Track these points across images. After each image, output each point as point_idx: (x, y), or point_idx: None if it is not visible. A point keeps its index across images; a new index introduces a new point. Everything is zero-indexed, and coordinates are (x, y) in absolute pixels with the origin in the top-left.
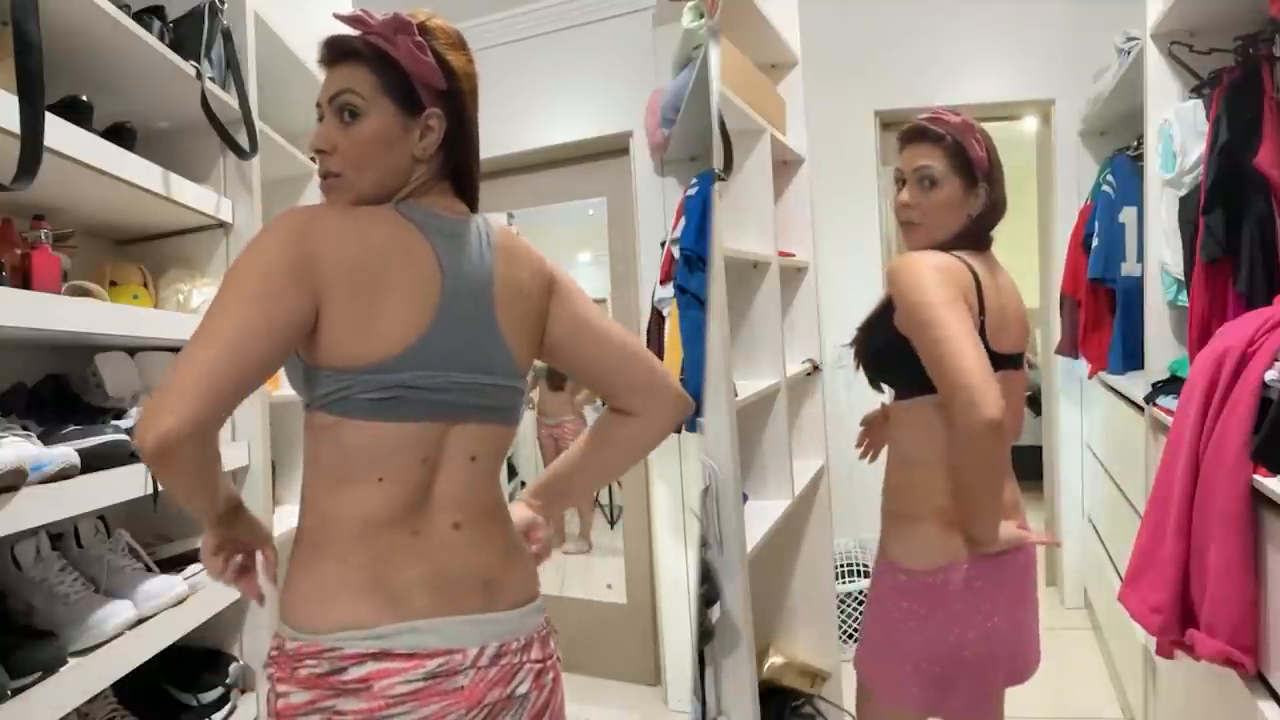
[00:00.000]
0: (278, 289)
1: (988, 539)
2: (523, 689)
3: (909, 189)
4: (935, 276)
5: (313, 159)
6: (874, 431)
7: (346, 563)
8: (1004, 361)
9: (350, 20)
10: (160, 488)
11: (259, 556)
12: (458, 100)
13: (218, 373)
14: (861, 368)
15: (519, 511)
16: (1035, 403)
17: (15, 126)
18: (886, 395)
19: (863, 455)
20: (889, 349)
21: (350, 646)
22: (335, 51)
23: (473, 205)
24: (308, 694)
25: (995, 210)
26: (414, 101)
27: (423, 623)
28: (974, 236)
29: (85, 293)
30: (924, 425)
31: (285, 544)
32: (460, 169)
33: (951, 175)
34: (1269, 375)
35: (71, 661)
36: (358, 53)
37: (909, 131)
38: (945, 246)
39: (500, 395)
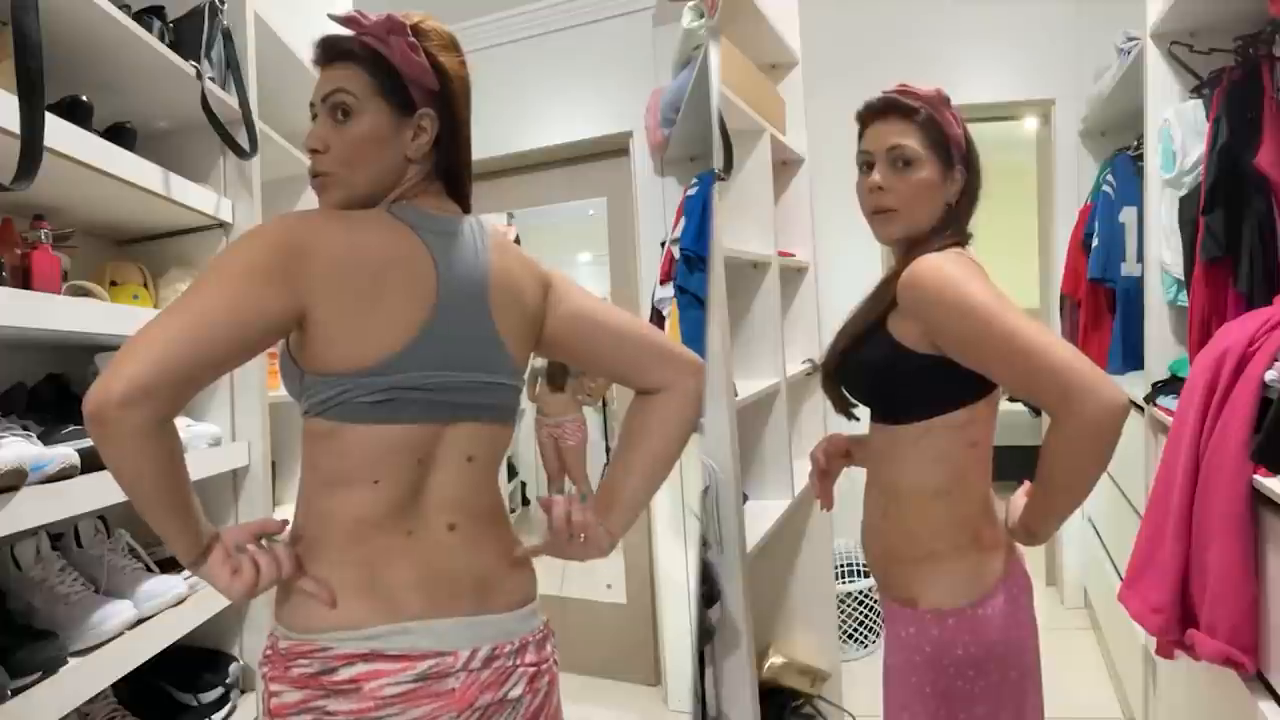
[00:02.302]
0: (252, 282)
1: (1046, 535)
2: (515, 692)
3: (881, 170)
4: (967, 276)
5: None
6: (833, 474)
7: (340, 563)
8: None
9: (344, 21)
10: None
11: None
12: (450, 101)
13: (172, 342)
14: (839, 390)
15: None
16: None
17: (15, 126)
18: (850, 425)
19: (825, 506)
20: (891, 366)
21: (341, 647)
22: (329, 52)
23: (465, 206)
24: (299, 693)
25: (971, 198)
26: (407, 102)
27: (415, 624)
28: (957, 229)
29: (85, 293)
30: (942, 450)
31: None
32: (452, 170)
33: (929, 154)
34: (1269, 375)
35: (71, 661)
36: (351, 53)
37: (876, 105)
38: (927, 239)
39: (497, 394)
